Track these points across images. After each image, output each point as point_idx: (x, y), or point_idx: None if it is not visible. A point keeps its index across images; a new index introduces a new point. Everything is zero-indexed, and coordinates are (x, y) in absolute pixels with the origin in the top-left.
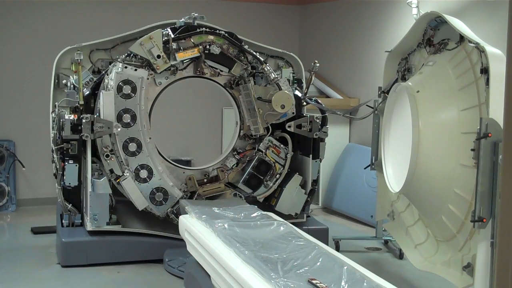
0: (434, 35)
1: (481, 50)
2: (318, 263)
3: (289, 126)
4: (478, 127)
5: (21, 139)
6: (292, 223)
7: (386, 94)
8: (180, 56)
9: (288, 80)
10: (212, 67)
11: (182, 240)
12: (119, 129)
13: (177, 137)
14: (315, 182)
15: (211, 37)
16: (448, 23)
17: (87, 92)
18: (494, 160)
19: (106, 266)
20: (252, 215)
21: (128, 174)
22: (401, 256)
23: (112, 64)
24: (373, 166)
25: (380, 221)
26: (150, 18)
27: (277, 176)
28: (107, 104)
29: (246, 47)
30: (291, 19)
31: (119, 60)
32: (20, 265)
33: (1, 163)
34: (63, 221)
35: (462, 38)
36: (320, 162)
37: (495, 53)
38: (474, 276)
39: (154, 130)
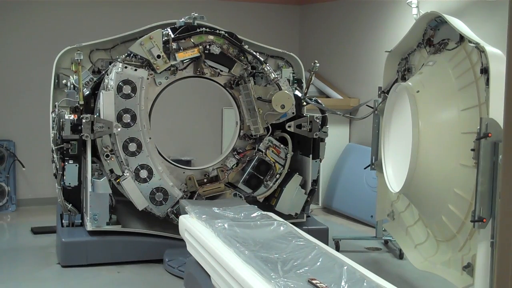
0: (434, 35)
1: (481, 50)
2: (318, 263)
3: (289, 126)
4: (478, 127)
5: (21, 139)
6: (292, 223)
7: (386, 94)
8: (180, 56)
9: (288, 80)
10: (212, 67)
11: (182, 240)
12: (119, 129)
13: (177, 137)
14: (315, 182)
15: (211, 37)
16: (448, 23)
17: (87, 92)
18: (494, 160)
19: (106, 266)
20: (252, 215)
21: (128, 174)
22: (401, 256)
23: (112, 64)
24: (373, 166)
25: (380, 221)
26: (150, 18)
27: (277, 176)
28: (107, 104)
29: (246, 47)
30: (291, 19)
31: (119, 60)
32: (20, 265)
33: (1, 163)
34: (63, 221)
35: (462, 38)
36: (320, 162)
37: (495, 53)
38: (474, 276)
39: (154, 130)
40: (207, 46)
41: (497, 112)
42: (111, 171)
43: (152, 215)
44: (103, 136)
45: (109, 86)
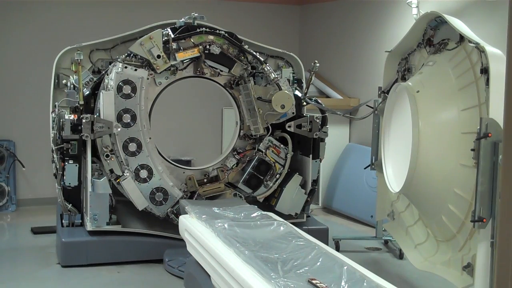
0: (434, 35)
1: (481, 50)
2: (318, 263)
3: (289, 126)
4: (478, 127)
5: (21, 139)
6: (292, 223)
7: (386, 94)
8: (180, 56)
9: (288, 80)
10: (212, 67)
11: (182, 240)
12: (119, 129)
13: (177, 137)
14: (315, 182)
15: (211, 37)
16: (448, 23)
17: (87, 92)
18: (494, 160)
19: (106, 266)
20: (252, 215)
21: (128, 174)
22: (401, 256)
23: (112, 64)
24: (373, 166)
25: (380, 221)
26: (150, 18)
27: (277, 176)
28: (107, 104)
29: (246, 47)
30: (291, 19)
31: (119, 60)
32: (20, 265)
33: (1, 163)
34: (63, 221)
35: (462, 38)
36: (320, 162)
37: (495, 53)
38: (474, 276)
39: (154, 130)
40: (207, 46)
41: (497, 112)
42: (111, 171)
43: (152, 215)
44: (103, 136)
45: (109, 86)
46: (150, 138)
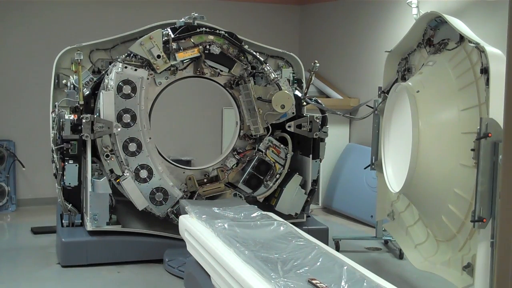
0: (434, 35)
1: (481, 50)
2: (318, 263)
3: (289, 126)
4: (478, 127)
5: (21, 139)
6: (292, 223)
7: (386, 94)
8: (180, 56)
9: (288, 80)
10: (212, 67)
11: (182, 240)
12: (119, 129)
13: (177, 137)
14: (315, 182)
15: (211, 37)
16: (448, 23)
17: (87, 92)
18: (494, 160)
19: (106, 266)
20: (252, 215)
21: (128, 174)
22: (401, 256)
23: (112, 64)
24: (373, 166)
25: (380, 221)
26: (150, 18)
27: (277, 176)
28: (107, 104)
29: (246, 47)
30: (291, 19)
31: (119, 60)
32: (20, 265)
33: (1, 163)
34: (63, 221)
35: (462, 38)
36: (320, 162)
37: (495, 53)
38: (474, 276)
39: (154, 130)
40: (207, 46)
41: (497, 112)
42: (111, 171)
43: (152, 215)
44: (103, 136)
45: (109, 86)
46: (150, 138)
